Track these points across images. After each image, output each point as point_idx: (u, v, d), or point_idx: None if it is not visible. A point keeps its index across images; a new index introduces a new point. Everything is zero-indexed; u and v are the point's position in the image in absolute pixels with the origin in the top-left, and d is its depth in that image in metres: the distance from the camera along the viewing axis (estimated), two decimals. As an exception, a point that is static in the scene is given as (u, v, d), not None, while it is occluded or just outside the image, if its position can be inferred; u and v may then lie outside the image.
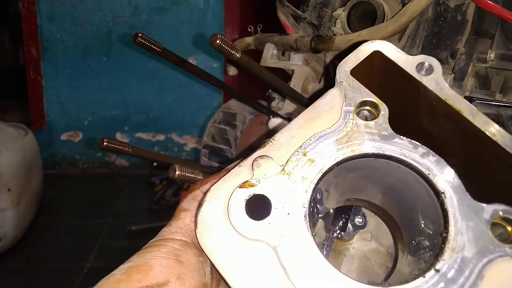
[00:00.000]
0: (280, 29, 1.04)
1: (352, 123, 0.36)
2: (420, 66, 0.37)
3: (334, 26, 1.01)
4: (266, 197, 0.34)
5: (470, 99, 0.81)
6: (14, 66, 4.86)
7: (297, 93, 0.71)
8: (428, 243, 0.39)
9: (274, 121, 0.90)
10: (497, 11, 0.83)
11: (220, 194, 0.35)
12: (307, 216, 0.34)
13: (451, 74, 0.85)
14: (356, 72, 0.38)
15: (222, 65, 3.06)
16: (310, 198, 0.34)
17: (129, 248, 2.10)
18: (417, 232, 0.41)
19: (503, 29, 0.89)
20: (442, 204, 0.34)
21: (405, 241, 0.45)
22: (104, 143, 0.56)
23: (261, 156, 0.36)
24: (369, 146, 0.35)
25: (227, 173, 0.38)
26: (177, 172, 0.44)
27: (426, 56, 0.37)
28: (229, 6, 3.01)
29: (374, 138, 0.36)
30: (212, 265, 0.37)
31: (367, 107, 0.37)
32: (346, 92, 0.37)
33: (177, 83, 3.13)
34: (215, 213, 0.35)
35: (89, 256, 2.01)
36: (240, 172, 0.36)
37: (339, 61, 0.40)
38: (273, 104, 1.02)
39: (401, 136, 0.36)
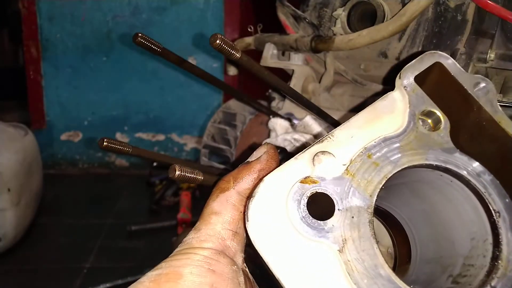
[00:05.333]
0: (280, 29, 1.04)
1: (417, 131, 0.36)
2: (476, 85, 0.37)
3: (334, 26, 1.01)
4: (329, 196, 0.32)
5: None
6: (14, 66, 4.86)
7: (297, 93, 0.71)
8: (440, 269, 0.39)
9: (274, 121, 0.89)
10: (497, 11, 0.83)
11: (275, 187, 0.32)
12: (372, 222, 0.32)
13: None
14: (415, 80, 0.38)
15: (222, 65, 3.06)
16: (375, 203, 0.33)
17: (129, 248, 2.11)
18: (435, 255, 0.41)
19: (503, 29, 0.89)
20: (494, 223, 0.35)
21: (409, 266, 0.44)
22: (104, 143, 0.56)
23: (323, 152, 0.33)
24: (433, 157, 0.35)
25: (260, 165, 0.36)
26: (177, 172, 0.43)
27: (483, 76, 0.38)
28: (229, 6, 3.01)
29: (436, 150, 0.36)
30: (246, 273, 0.35)
31: (427, 118, 0.37)
32: (410, 98, 0.37)
33: (177, 83, 3.13)
34: (269, 207, 0.32)
35: (89, 256, 2.01)
36: (297, 165, 0.33)
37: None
38: (273, 104, 1.02)
39: (461, 151, 0.36)
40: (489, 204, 0.35)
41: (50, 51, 3.03)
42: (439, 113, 0.37)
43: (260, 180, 0.33)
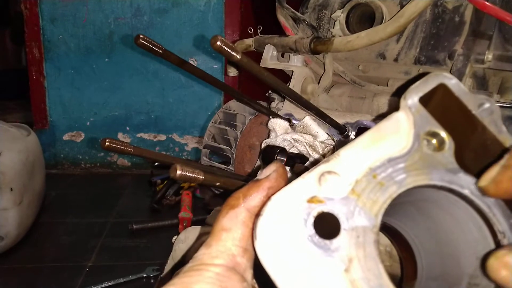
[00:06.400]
0: (279, 31, 1.05)
1: (421, 152, 0.36)
2: (480, 106, 0.37)
3: (333, 28, 1.02)
4: (334, 216, 0.32)
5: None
6: (16, 67, 4.88)
7: (296, 94, 0.72)
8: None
9: (274, 122, 0.90)
10: (494, 13, 0.84)
11: (282, 205, 0.33)
12: (378, 242, 0.32)
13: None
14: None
15: (223, 66, 3.07)
16: (382, 220, 0.33)
17: (131, 246, 2.13)
18: (441, 272, 0.42)
19: (500, 30, 0.90)
20: (499, 244, 0.35)
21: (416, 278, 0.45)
22: (106, 143, 0.57)
23: (329, 171, 0.34)
24: (437, 178, 0.36)
25: (270, 183, 0.37)
26: (178, 172, 0.42)
27: (487, 97, 0.38)
28: (230, 8, 3.02)
29: (441, 170, 0.36)
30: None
31: (432, 138, 0.37)
32: (415, 119, 0.37)
33: (178, 84, 3.14)
34: (277, 226, 0.32)
35: (91, 255, 2.02)
36: (304, 184, 0.34)
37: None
38: (273, 104, 1.03)
39: (465, 172, 0.36)
40: (493, 225, 0.35)
41: (52, 52, 3.05)
42: (443, 133, 0.37)
43: (268, 198, 0.34)
